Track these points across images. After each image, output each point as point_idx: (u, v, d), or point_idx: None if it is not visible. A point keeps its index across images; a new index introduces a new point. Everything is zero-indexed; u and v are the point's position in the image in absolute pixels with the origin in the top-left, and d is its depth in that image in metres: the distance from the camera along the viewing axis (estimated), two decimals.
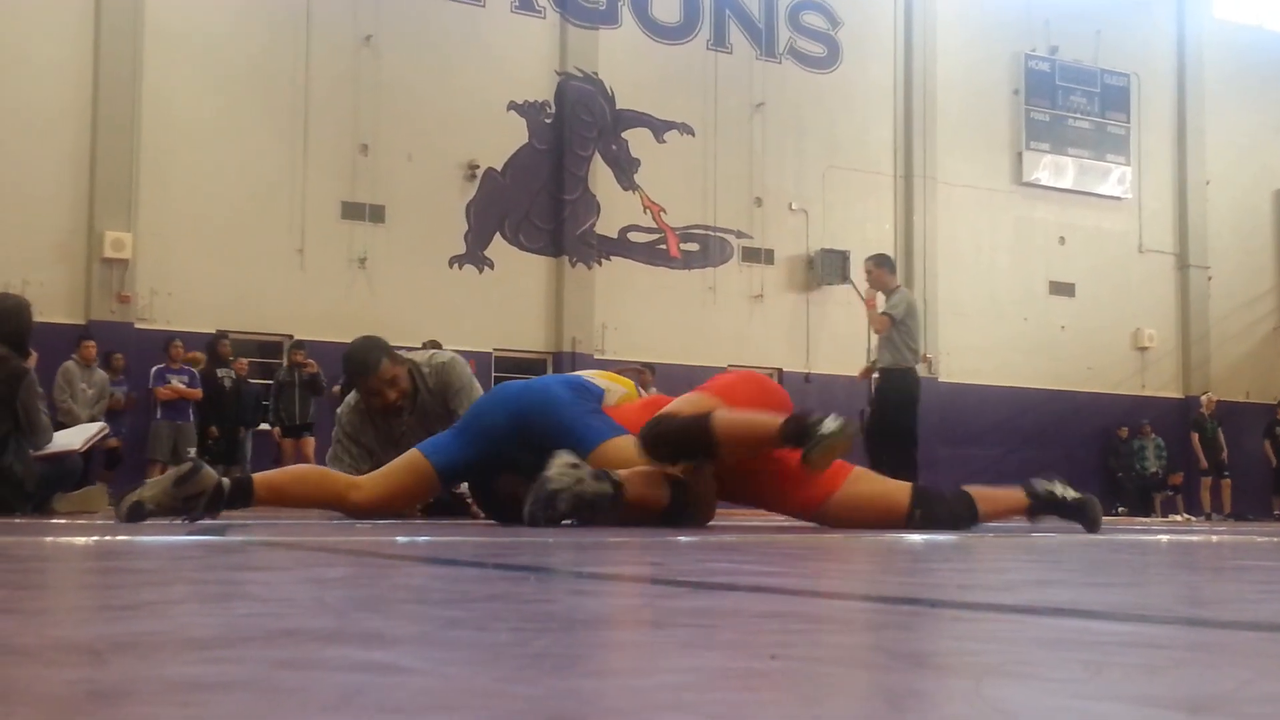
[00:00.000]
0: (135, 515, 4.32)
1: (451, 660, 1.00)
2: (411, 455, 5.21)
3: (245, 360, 16.36)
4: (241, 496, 4.71)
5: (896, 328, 10.55)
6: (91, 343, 14.69)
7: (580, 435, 5.00)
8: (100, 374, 14.67)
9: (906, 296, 10.93)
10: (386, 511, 5.14)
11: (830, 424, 4.77)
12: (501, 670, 0.94)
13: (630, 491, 4.65)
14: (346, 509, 5.07)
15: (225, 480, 4.62)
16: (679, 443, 4.85)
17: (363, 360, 6.10)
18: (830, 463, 4.89)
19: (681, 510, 4.89)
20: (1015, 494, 5.42)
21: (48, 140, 16.50)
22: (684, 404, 5.06)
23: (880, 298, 10.71)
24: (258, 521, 4.54)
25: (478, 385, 6.47)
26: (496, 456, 5.12)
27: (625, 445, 4.97)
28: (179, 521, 4.29)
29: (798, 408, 5.13)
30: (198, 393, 15.29)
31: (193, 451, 15.15)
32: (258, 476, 4.96)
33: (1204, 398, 21.51)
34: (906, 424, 10.46)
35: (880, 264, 11.26)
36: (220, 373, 15.45)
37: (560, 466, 4.56)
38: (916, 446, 10.50)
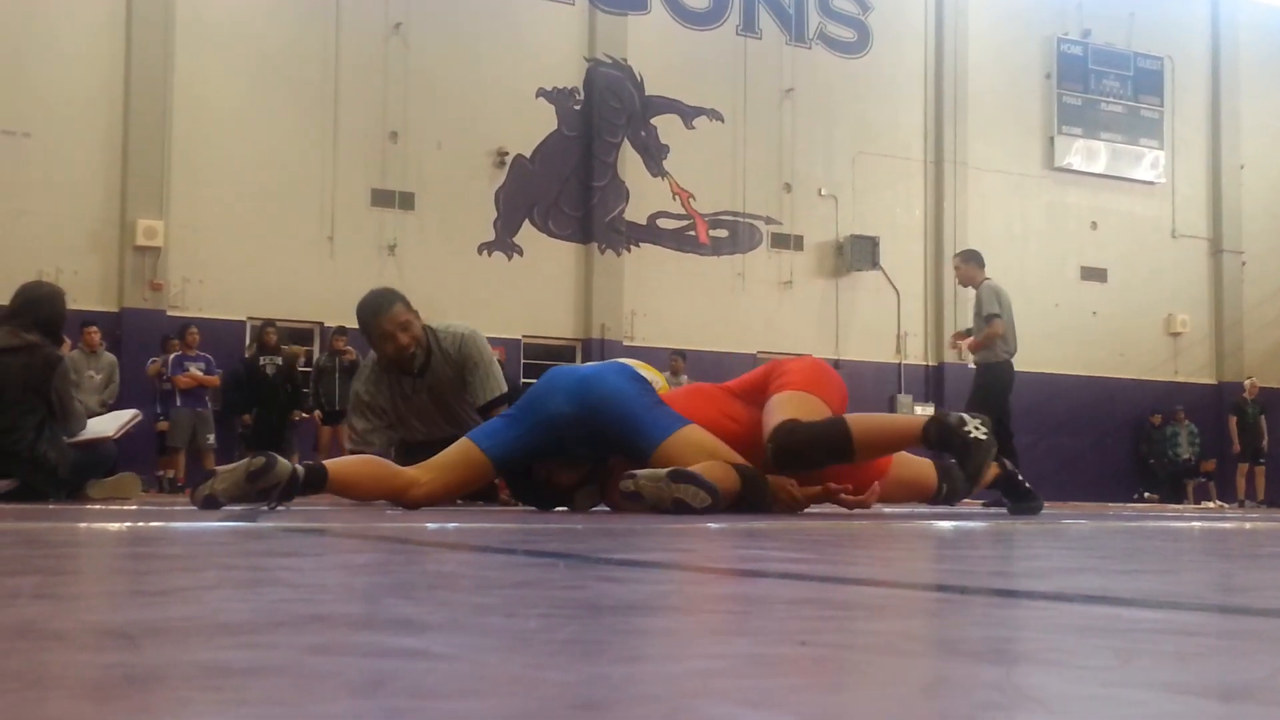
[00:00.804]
0: (209, 507, 4.35)
1: (481, 646, 1.00)
2: (465, 446, 5.17)
3: (300, 348, 16.36)
4: (314, 484, 4.72)
5: (991, 324, 10.61)
6: (94, 328, 14.64)
7: (647, 428, 5.01)
8: (108, 358, 14.67)
9: (995, 289, 10.88)
10: (443, 503, 5.17)
11: (978, 429, 4.86)
12: (531, 656, 0.94)
13: (721, 488, 4.69)
14: (405, 504, 5.04)
15: (299, 468, 4.62)
16: (816, 451, 4.90)
17: (375, 302, 6.03)
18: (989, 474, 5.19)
19: (753, 496, 4.89)
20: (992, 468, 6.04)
21: (80, 130, 16.61)
22: (792, 406, 5.04)
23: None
24: (290, 508, 4.55)
25: (496, 364, 6.43)
26: (553, 445, 5.12)
27: (692, 435, 4.97)
28: (262, 509, 4.32)
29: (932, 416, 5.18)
30: (215, 379, 15.35)
31: (211, 438, 15.22)
32: (329, 464, 4.95)
33: (1247, 382, 21.20)
34: (1002, 408, 10.59)
35: (968, 259, 11.24)
36: (263, 360, 15.50)
37: (647, 479, 4.61)
38: (1010, 422, 10.69)
